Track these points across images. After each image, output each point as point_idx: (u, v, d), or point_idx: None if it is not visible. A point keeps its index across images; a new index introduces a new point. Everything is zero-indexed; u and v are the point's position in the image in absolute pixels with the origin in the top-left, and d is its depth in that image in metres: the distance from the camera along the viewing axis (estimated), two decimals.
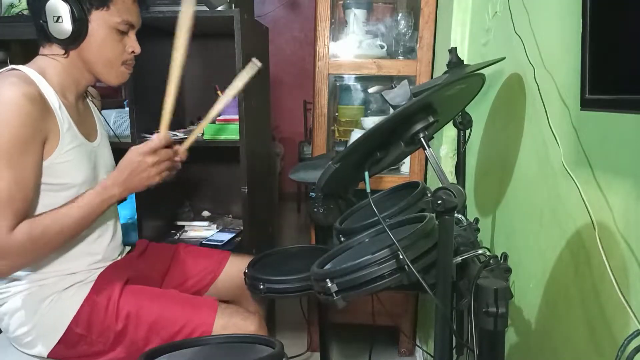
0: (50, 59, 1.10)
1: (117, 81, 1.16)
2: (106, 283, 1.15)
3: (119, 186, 1.08)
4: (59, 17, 1.04)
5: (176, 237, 1.92)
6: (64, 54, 1.10)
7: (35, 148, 1.01)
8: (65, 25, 1.05)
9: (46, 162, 1.05)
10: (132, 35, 1.15)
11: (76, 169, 1.10)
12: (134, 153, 1.08)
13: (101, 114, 1.33)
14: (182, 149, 1.20)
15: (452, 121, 1.21)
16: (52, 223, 1.02)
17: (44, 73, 1.08)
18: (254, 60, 1.20)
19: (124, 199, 1.19)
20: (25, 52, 1.11)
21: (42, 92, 1.04)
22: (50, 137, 1.04)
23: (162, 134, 1.11)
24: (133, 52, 1.15)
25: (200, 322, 1.13)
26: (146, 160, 1.08)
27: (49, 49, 1.11)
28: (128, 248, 1.37)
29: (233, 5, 1.60)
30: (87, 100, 1.27)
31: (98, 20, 1.08)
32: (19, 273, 1.09)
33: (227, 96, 1.21)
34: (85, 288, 1.13)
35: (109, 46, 1.11)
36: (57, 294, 1.10)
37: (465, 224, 1.06)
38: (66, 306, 1.10)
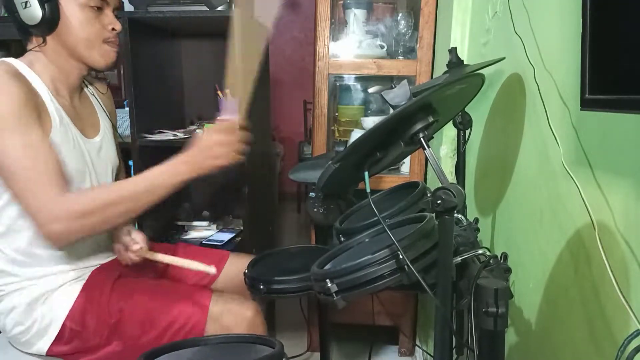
0: (35, 53, 1.09)
1: (104, 61, 1.14)
2: (98, 278, 1.15)
3: (186, 164, 1.05)
4: (26, 3, 1.03)
5: (176, 237, 1.92)
6: (42, 42, 1.08)
7: (39, 124, 1.00)
8: (35, 10, 1.03)
9: None
10: (108, 13, 1.13)
11: (64, 166, 1.08)
12: (206, 131, 1.08)
13: (104, 111, 1.30)
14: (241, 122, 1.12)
15: (452, 121, 1.21)
16: (105, 193, 1.04)
17: (33, 66, 1.08)
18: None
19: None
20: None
21: (33, 86, 1.04)
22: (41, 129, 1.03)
23: (239, 117, 1.09)
24: (113, 29, 1.13)
25: (194, 310, 1.11)
26: (214, 138, 1.05)
27: (30, 43, 1.10)
28: None
29: (233, 5, 1.60)
30: (88, 95, 1.26)
31: (68, 0, 1.06)
32: (14, 272, 1.09)
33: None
34: (79, 284, 1.13)
35: (85, 25, 1.09)
36: (51, 292, 1.10)
37: (465, 224, 1.06)
38: (60, 303, 1.10)
